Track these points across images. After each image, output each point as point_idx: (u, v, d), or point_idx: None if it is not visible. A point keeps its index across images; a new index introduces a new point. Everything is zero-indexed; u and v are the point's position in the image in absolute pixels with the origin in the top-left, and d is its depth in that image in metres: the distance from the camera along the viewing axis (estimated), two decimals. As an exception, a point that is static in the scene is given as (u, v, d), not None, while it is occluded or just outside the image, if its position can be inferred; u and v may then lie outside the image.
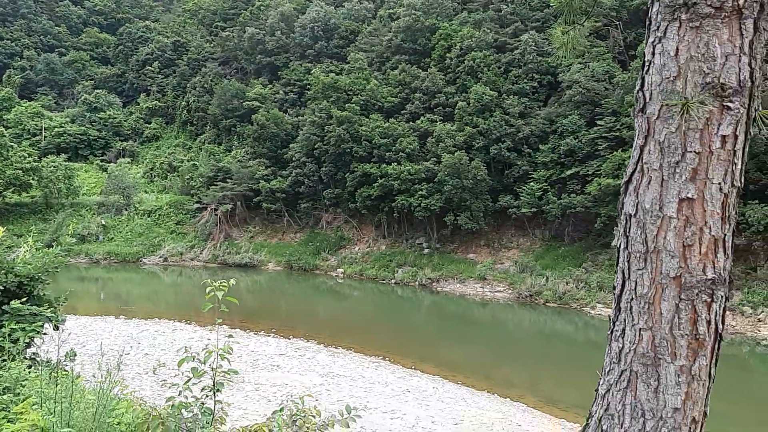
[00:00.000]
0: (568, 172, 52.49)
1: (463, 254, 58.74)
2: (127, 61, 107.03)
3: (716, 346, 2.54)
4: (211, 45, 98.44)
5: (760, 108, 2.49)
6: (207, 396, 6.10)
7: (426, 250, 60.19)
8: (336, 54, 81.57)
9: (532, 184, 53.65)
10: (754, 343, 37.39)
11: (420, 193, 57.64)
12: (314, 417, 6.46)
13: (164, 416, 5.95)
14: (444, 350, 36.67)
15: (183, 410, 6.04)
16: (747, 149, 2.48)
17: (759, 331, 38.85)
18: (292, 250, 66.62)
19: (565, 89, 56.20)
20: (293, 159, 68.67)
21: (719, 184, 2.42)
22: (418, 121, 63.24)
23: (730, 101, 2.40)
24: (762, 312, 40.34)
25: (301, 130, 69.18)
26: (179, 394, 5.95)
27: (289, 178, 67.84)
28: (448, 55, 66.97)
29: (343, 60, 78.11)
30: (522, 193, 54.10)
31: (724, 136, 2.40)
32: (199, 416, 6.10)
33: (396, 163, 60.00)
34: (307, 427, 6.29)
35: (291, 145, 70.06)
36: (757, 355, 35.86)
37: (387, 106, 67.04)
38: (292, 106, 78.12)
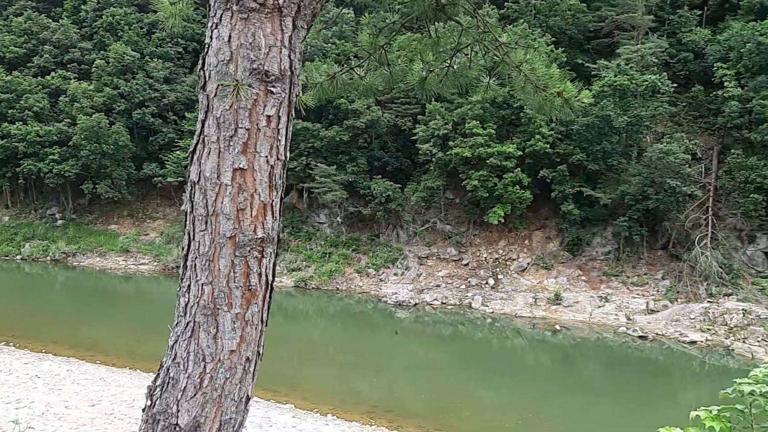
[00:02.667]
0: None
1: (104, 225, 55.03)
2: None
3: (267, 294, 2.98)
4: None
5: (300, 94, 2.96)
6: None
7: (60, 222, 54.76)
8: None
9: (178, 152, 52.56)
10: (377, 300, 42.95)
11: (51, 157, 51.98)
12: None
13: None
14: (81, 329, 34.18)
15: None
16: (290, 128, 2.95)
17: (381, 289, 44.70)
18: None
19: (212, 59, 55.99)
20: None
21: (266, 157, 2.84)
22: (48, 77, 56.63)
23: (273, 86, 2.82)
24: (383, 273, 46.45)
25: None
26: None
27: None
28: (83, 7, 61.08)
29: (-50, -3, 65.62)
30: (168, 161, 52.69)
31: (269, 116, 2.82)
32: None
33: (21, 123, 52.96)
34: None
35: None
36: (379, 311, 41.25)
37: (9, 56, 58.46)
38: None
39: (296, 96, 2.95)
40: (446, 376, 29.03)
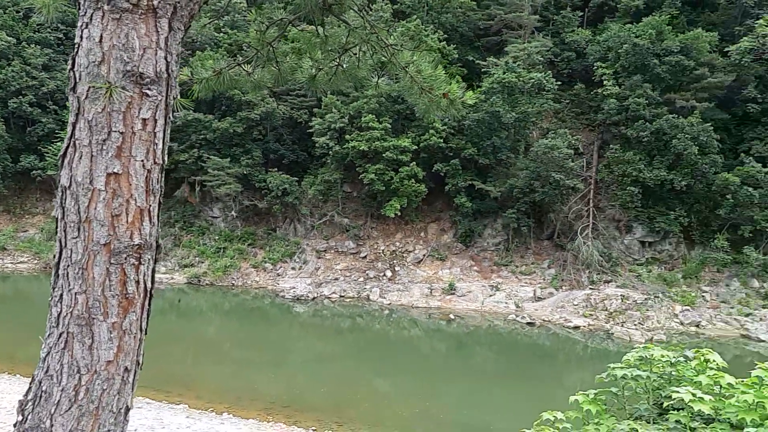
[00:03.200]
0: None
1: (-24, 222, 51.12)
2: None
3: (146, 302, 2.90)
4: None
5: (178, 96, 2.90)
6: None
7: (-76, 219, 50.32)
8: None
9: (59, 144, 49.43)
10: (275, 294, 42.45)
11: None
12: None
13: None
14: (-49, 334, 31.60)
15: None
16: (168, 131, 2.89)
17: (278, 284, 44.21)
18: None
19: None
20: None
21: (142, 161, 2.76)
22: None
23: (149, 89, 2.74)
24: (281, 267, 45.94)
25: None
26: None
27: None
28: (-50, -13, 56.24)
29: None
30: (48, 153, 49.50)
31: (144, 119, 2.74)
32: None
33: None
34: None
35: None
36: (276, 305, 40.79)
37: None
38: None
39: (174, 98, 2.89)
40: (345, 369, 29.20)
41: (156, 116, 2.77)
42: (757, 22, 43.97)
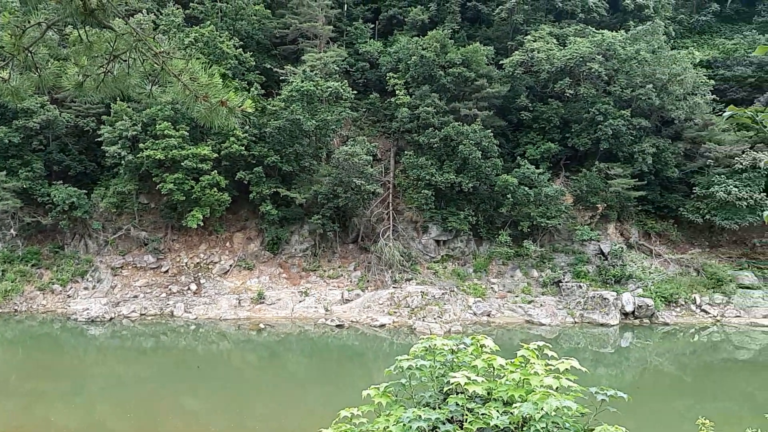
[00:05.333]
0: None
1: None
2: None
3: None
4: None
5: None
6: None
7: None
8: None
9: None
10: (66, 318, 38.95)
11: None
12: None
13: None
14: None
15: None
16: None
17: (69, 306, 40.63)
18: None
19: None
20: None
21: None
22: None
23: None
24: (72, 288, 42.28)
25: None
26: None
27: None
28: None
29: None
30: None
31: None
32: None
33: None
34: None
35: None
36: (68, 330, 37.47)
37: None
38: None
39: None
40: (151, 391, 27.69)
41: None
42: (526, 37, 49.14)
